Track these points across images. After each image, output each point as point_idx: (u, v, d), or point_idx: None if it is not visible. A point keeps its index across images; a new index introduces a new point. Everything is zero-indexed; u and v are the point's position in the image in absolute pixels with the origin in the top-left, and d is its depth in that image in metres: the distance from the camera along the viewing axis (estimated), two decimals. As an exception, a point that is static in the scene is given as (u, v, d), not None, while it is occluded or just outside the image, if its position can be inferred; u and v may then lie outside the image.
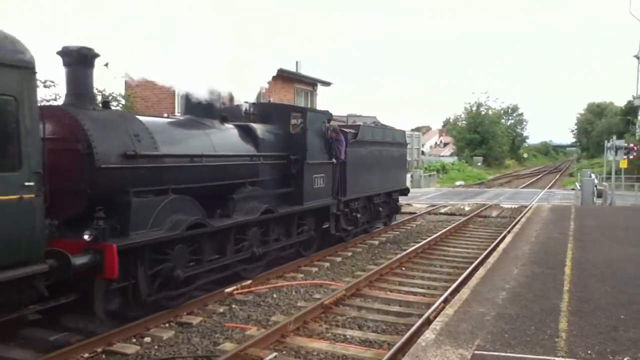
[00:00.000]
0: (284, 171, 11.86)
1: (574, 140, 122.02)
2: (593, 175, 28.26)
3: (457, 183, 46.10)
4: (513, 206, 25.48)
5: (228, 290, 9.68)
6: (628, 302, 7.85)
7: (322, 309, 8.88)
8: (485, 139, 73.19)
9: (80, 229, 7.16)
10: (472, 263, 12.18)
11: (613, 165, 28.06)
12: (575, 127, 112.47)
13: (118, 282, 7.35)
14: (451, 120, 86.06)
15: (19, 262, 5.96)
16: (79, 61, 7.86)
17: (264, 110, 12.35)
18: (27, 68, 6.00)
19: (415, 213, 21.71)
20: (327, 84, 27.59)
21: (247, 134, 11.08)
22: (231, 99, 11.28)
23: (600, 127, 79.60)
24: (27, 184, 5.96)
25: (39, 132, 6.40)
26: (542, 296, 8.35)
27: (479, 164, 69.02)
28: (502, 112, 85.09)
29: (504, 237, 15.00)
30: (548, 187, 42.31)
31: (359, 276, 11.07)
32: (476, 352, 6.02)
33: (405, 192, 19.25)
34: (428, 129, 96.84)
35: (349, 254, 13.83)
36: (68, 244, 6.88)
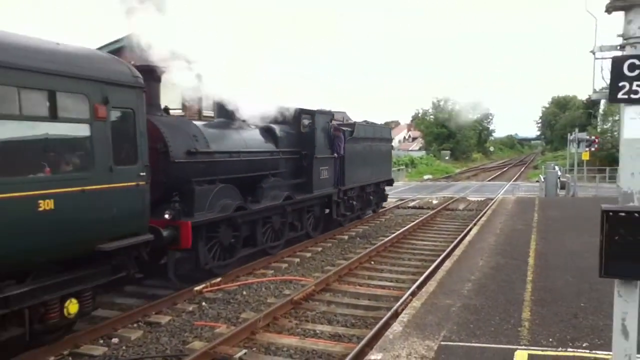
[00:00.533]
0: (297, 164, 14.16)
1: (538, 133, 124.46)
2: (557, 168, 28.95)
3: (425, 177, 46.66)
4: (479, 199, 25.94)
5: (197, 288, 9.65)
6: (588, 291, 8.12)
7: (292, 304, 8.93)
8: (452, 133, 74.23)
9: (155, 212, 8.82)
10: (439, 256, 12.38)
11: (575, 158, 28.77)
12: (540, 120, 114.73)
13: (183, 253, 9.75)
14: (420, 115, 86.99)
15: (134, 233, 7.78)
16: (152, 77, 9.45)
17: (279, 112, 13.62)
18: (139, 88, 7.94)
19: (384, 207, 21.91)
20: (295, 79, 27.66)
21: (268, 133, 13.15)
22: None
23: (564, 120, 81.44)
24: (141, 174, 7.89)
25: (146, 135, 8.17)
26: (507, 287, 8.57)
27: (447, 157, 69.94)
28: (469, 106, 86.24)
29: (470, 229, 15.29)
30: (513, 179, 43.15)
31: (329, 271, 11.15)
32: (442, 342, 6.16)
33: (390, 182, 21.50)
34: (397, 123, 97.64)
35: (319, 249, 13.91)
36: (151, 222, 8.49)
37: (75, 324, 7.45)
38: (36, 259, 6.43)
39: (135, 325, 8.13)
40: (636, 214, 3.96)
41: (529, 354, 5.82)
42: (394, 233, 15.77)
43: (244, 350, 6.95)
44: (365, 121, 19.13)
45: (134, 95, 7.84)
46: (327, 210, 15.77)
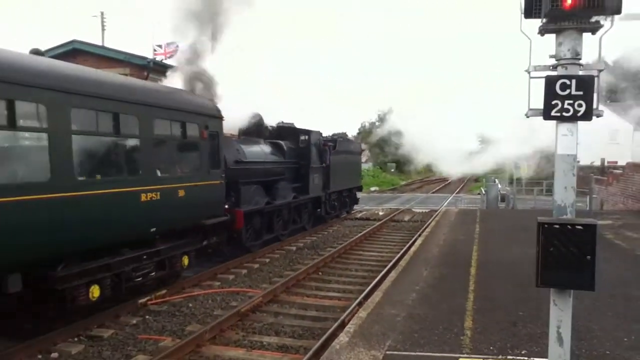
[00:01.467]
0: (296, 172, 18.25)
1: (482, 146, 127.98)
2: (497, 181, 29.91)
3: (372, 189, 47.23)
4: (424, 210, 26.50)
5: (141, 300, 9.45)
6: (526, 300, 8.43)
7: (239, 316, 8.88)
8: (397, 146, 75.31)
9: None
10: (385, 266, 12.58)
11: (515, 172, 29.83)
12: (482, 134, 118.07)
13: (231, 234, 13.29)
14: (366, 126, 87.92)
15: (216, 215, 11.88)
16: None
17: (281, 131, 18.22)
18: (221, 118, 12.26)
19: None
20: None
21: (277, 147, 17.25)
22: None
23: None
24: (222, 175, 12.18)
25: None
26: (450, 296, 8.79)
27: (392, 170, 70.96)
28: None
29: (415, 240, 15.60)
30: (456, 192, 44.29)
31: (276, 282, 11.14)
32: (388, 352, 6.27)
33: (360, 188, 26.53)
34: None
35: (267, 260, 13.87)
36: None
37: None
38: (177, 226, 10.52)
39: (76, 339, 7.89)
40: (569, 226, 4.19)
41: (470, 362, 6.00)
42: (341, 244, 15.92)
43: (190, 364, 6.86)
44: (337, 135, 23.29)
45: (218, 123, 12.20)
46: (318, 210, 20.27)
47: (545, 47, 4.62)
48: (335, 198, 21.95)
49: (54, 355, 7.30)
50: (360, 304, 9.06)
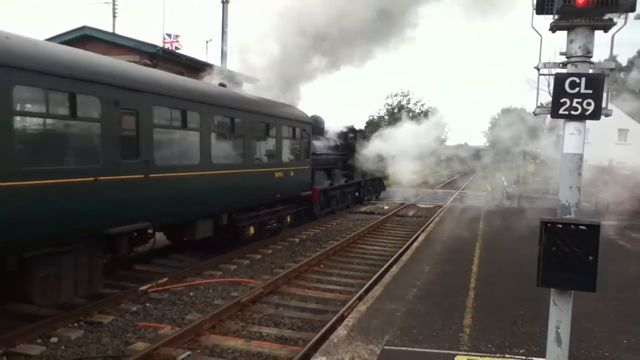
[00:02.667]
0: (344, 162, 23.01)
1: (487, 144, 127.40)
2: (503, 178, 29.78)
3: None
4: (428, 206, 26.41)
5: (142, 288, 9.46)
6: (527, 299, 8.39)
7: (239, 306, 8.87)
8: (405, 141, 75.18)
9: None
10: (387, 261, 12.55)
11: (521, 169, 29.70)
12: (489, 131, 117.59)
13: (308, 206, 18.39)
14: (374, 120, 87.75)
15: (304, 190, 16.85)
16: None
17: (331, 129, 22.95)
18: (310, 124, 17.46)
19: (336, 212, 22.04)
20: (253, 80, 27.46)
21: (332, 142, 22.33)
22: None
23: (512, 132, 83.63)
24: (310, 162, 17.26)
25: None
26: (450, 293, 8.77)
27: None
28: (421, 115, 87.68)
29: (418, 236, 15.56)
30: (462, 188, 44.13)
31: (278, 274, 11.13)
32: (385, 347, 6.25)
33: (386, 177, 29.69)
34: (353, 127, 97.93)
35: (269, 251, 13.87)
36: None
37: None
38: (288, 195, 15.47)
39: (76, 324, 7.90)
40: (572, 226, 4.14)
41: (468, 359, 5.97)
42: (344, 237, 15.89)
43: (188, 352, 6.86)
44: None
45: (309, 127, 17.24)
46: (357, 193, 25.33)
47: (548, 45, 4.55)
48: (370, 184, 27.26)
49: (54, 339, 7.32)
50: (360, 298, 9.05)
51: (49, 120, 7.57)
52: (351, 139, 23.35)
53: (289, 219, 15.99)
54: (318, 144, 19.53)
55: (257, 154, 13.61)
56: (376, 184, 28.65)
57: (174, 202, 9.89)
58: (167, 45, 23.91)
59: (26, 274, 7.21)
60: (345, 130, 23.45)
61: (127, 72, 9.00)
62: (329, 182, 20.46)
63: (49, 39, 14.84)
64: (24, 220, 6.73)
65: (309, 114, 19.57)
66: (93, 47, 16.60)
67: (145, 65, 11.72)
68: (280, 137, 14.76)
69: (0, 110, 6.41)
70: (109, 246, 8.61)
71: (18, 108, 6.78)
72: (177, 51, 23.46)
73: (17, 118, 6.80)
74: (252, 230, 13.35)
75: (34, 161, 7.07)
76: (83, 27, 18.59)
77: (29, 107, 7.19)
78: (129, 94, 8.65)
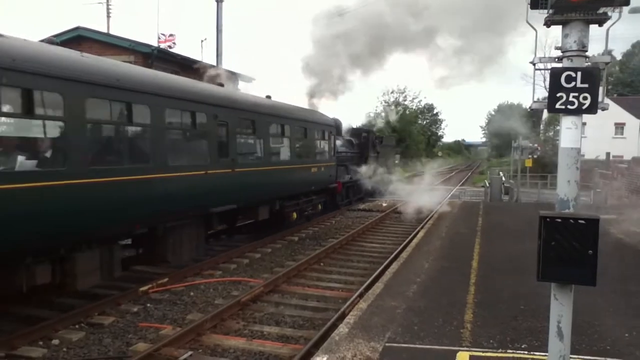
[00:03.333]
0: (360, 158, 25.59)
1: (485, 139, 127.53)
2: (501, 174, 29.82)
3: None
4: (427, 202, 26.37)
5: (142, 288, 9.47)
6: (528, 294, 8.40)
7: (240, 306, 8.88)
8: (402, 138, 75.17)
9: None
10: (387, 258, 12.56)
11: (519, 164, 29.72)
12: (486, 126, 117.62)
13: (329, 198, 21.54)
14: (371, 118, 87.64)
15: (331, 182, 20.34)
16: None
17: (347, 129, 26.23)
18: (333, 126, 20.78)
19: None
20: (249, 79, 27.44)
21: (349, 141, 25.37)
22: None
23: (508, 128, 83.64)
24: (334, 159, 20.72)
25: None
26: (450, 289, 8.78)
27: (397, 162, 70.86)
28: (418, 111, 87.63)
29: (417, 232, 15.57)
30: (460, 184, 44.17)
31: (278, 272, 11.14)
32: (387, 344, 6.27)
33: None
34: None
35: (268, 250, 13.87)
36: None
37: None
38: (320, 186, 18.75)
39: (77, 326, 7.91)
40: (571, 220, 4.14)
41: (470, 355, 5.99)
42: (343, 235, 15.90)
43: (190, 352, 6.86)
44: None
45: (334, 129, 20.61)
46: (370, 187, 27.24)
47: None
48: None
49: (55, 341, 7.32)
50: (360, 296, 9.06)
51: (185, 132, 11.19)
52: (364, 138, 26.65)
53: (320, 207, 19.61)
54: (338, 143, 22.14)
55: (300, 153, 17.24)
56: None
57: (248, 190, 13.07)
58: (161, 45, 23.89)
59: (164, 239, 10.44)
60: (359, 131, 27.27)
61: (221, 94, 12.63)
62: (349, 177, 23.74)
63: (43, 40, 14.85)
64: (170, 197, 9.96)
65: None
66: (87, 48, 16.58)
67: (220, 85, 14.73)
68: (314, 139, 18.53)
69: (159, 127, 9.73)
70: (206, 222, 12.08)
71: (176, 126, 10.69)
72: (172, 50, 23.46)
73: (172, 131, 10.52)
74: (294, 215, 16.68)
75: (176, 160, 10.35)
76: (77, 28, 18.59)
77: (175, 122, 10.66)
78: (223, 110, 12.00)
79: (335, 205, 22.14)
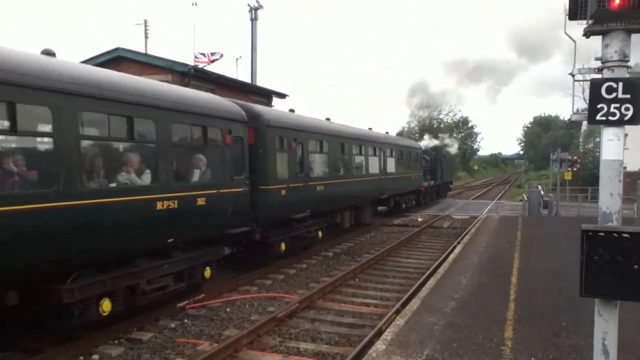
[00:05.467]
0: (430, 170, 34.25)
1: (521, 152, 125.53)
2: (539, 187, 29.18)
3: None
4: (464, 217, 26.05)
5: (180, 304, 9.57)
6: (569, 309, 8.18)
7: (276, 322, 8.89)
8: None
9: None
10: (423, 273, 12.42)
11: (558, 177, 29.06)
12: (523, 139, 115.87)
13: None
14: (405, 131, 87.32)
15: (419, 186, 30.46)
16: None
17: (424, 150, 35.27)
18: (421, 149, 33.17)
19: (369, 224, 21.98)
20: (282, 95, 27.69)
21: (426, 156, 35.01)
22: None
23: (546, 140, 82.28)
24: (421, 171, 31.26)
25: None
26: (489, 305, 8.60)
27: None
28: (453, 125, 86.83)
29: (454, 247, 15.34)
30: (497, 198, 43.43)
31: (313, 288, 11.12)
32: (425, 361, 6.16)
33: (451, 182, 45.76)
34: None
35: (304, 265, 13.87)
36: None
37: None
38: (412, 189, 28.71)
39: (116, 341, 8.03)
40: (614, 234, 4.03)
41: (511, 373, 5.84)
42: (378, 250, 15.79)
43: (227, 368, 6.89)
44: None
45: (421, 151, 32.18)
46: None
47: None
48: (444, 186, 39.22)
49: (95, 357, 7.45)
50: (397, 312, 8.95)
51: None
52: (434, 156, 35.67)
53: (414, 202, 29.51)
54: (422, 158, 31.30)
55: (404, 168, 26.76)
56: (447, 185, 41.94)
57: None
58: (203, 64, 24.29)
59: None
60: (430, 150, 36.62)
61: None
62: (427, 183, 32.16)
63: (84, 61, 15.39)
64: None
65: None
66: (126, 68, 17.05)
67: (291, 111, 16.17)
68: (413, 159, 28.99)
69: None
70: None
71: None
72: (210, 67, 23.88)
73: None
74: (404, 205, 26.99)
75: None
76: (117, 49, 19.09)
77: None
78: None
79: (418, 203, 30.83)
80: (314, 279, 12.48)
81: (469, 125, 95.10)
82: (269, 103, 26.70)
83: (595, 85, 4.09)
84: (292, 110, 16.11)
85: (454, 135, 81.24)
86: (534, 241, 15.66)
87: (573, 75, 4.49)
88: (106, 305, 7.78)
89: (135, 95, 8.16)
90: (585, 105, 4.31)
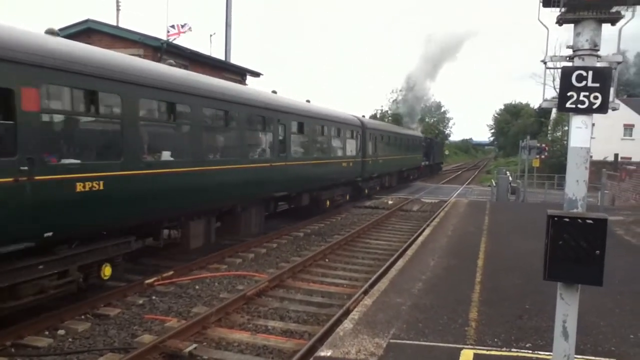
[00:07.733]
0: (426, 153, 47.69)
1: (492, 139, 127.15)
2: (508, 173, 29.69)
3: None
4: (433, 201, 26.40)
5: (148, 281, 9.51)
6: (533, 293, 8.39)
7: (245, 300, 8.91)
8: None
9: None
10: (392, 255, 12.56)
11: (526, 164, 29.59)
12: (493, 126, 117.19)
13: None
14: (378, 115, 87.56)
15: (419, 164, 43.53)
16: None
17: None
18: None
19: (341, 206, 22.09)
20: (256, 74, 27.37)
21: (425, 141, 50.46)
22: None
23: (516, 128, 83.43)
24: (421, 153, 44.97)
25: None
26: (456, 287, 8.76)
27: (447, 153, 71.39)
28: (426, 109, 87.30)
29: (423, 230, 15.54)
30: (466, 183, 44.09)
31: (283, 268, 11.16)
32: (391, 340, 6.27)
33: (441, 163, 63.87)
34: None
35: (274, 245, 13.90)
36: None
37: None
38: (413, 166, 41.05)
39: (82, 317, 7.96)
40: (579, 220, 4.13)
41: (474, 353, 5.98)
42: (349, 232, 15.91)
43: (194, 345, 6.89)
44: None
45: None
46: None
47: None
48: (436, 165, 52.35)
49: (61, 332, 7.38)
50: (365, 292, 9.06)
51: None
52: (428, 142, 47.57)
53: (416, 175, 41.28)
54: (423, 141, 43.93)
55: (409, 152, 36.47)
56: (438, 165, 54.53)
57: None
58: (173, 37, 23.79)
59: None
60: (424, 137, 47.66)
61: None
62: (424, 163, 43.46)
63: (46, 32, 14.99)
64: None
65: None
66: (97, 41, 16.59)
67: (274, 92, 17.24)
68: (417, 145, 40.70)
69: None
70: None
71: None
72: (182, 42, 23.42)
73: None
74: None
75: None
76: (87, 21, 18.56)
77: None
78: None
79: (417, 177, 42.14)
80: (284, 259, 12.52)
81: (442, 110, 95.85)
82: (242, 81, 26.40)
83: (565, 73, 4.14)
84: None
85: (427, 119, 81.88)
86: (502, 226, 15.96)
87: (545, 63, 4.54)
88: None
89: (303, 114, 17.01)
90: (555, 94, 4.37)
